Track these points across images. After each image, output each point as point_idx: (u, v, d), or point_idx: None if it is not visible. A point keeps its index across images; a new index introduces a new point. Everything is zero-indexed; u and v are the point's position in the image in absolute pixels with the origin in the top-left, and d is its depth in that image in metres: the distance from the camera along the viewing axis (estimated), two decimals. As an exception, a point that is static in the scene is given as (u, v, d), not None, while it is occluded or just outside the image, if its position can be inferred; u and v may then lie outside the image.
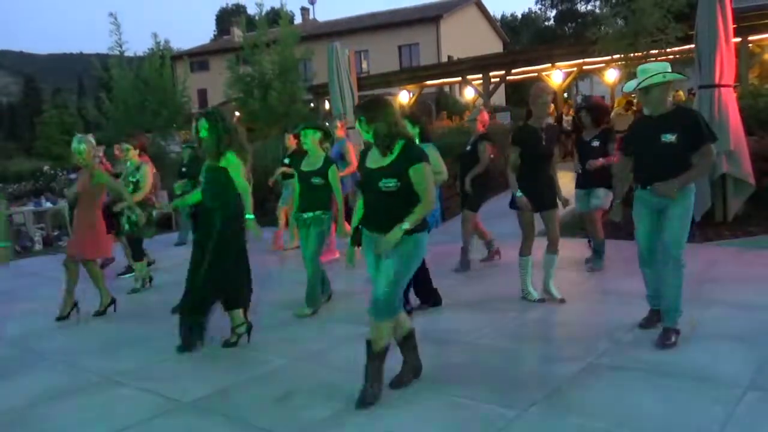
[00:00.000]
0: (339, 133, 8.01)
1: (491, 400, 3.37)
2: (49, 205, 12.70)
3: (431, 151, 5.03)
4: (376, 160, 3.47)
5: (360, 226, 3.65)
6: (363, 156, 3.62)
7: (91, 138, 5.86)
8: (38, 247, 11.25)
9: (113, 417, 3.54)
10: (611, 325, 4.48)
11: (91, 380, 4.17)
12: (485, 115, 6.88)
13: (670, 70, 4.10)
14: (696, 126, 4.01)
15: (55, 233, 11.94)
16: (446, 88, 27.57)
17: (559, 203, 5.28)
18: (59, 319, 5.72)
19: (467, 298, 5.43)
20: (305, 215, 5.42)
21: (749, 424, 2.95)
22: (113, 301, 5.93)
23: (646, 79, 4.03)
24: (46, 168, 21.10)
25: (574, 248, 6.75)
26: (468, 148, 6.60)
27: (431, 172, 3.41)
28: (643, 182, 4.19)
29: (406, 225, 3.31)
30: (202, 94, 35.16)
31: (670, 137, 4.00)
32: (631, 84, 4.26)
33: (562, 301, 5.10)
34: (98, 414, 3.60)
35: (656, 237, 4.20)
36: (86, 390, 4.01)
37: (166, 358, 4.53)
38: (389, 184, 3.35)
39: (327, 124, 8.01)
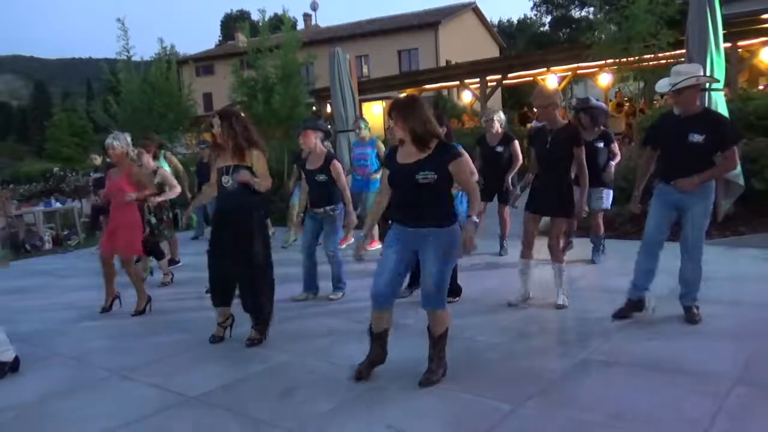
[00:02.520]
0: (365, 133, 7.87)
1: (488, 394, 3.38)
2: (58, 205, 12.72)
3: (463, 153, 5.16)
4: (409, 156, 3.45)
5: (391, 222, 3.63)
6: (392, 154, 3.59)
7: (127, 136, 5.76)
8: (48, 246, 11.27)
9: (121, 411, 3.55)
10: (604, 322, 4.49)
11: (100, 375, 4.18)
12: (503, 115, 7.09)
13: (701, 73, 4.18)
14: (722, 128, 4.14)
15: (65, 233, 11.96)
16: (444, 92, 27.54)
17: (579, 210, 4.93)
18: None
19: (465, 295, 5.43)
20: (316, 210, 5.63)
21: (738, 417, 2.96)
22: (149, 300, 5.84)
23: (680, 81, 4.10)
24: (55, 169, 21.12)
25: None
26: (500, 148, 6.78)
27: (470, 164, 3.51)
28: (667, 178, 4.28)
29: (475, 218, 3.40)
30: (208, 97, 35.12)
31: (697, 137, 4.09)
32: (664, 83, 4.30)
33: (558, 307, 4.87)
34: (106, 408, 3.61)
35: (665, 231, 4.38)
36: (95, 385, 4.02)
37: (173, 353, 4.54)
38: (428, 174, 3.36)
39: (359, 123, 7.96)
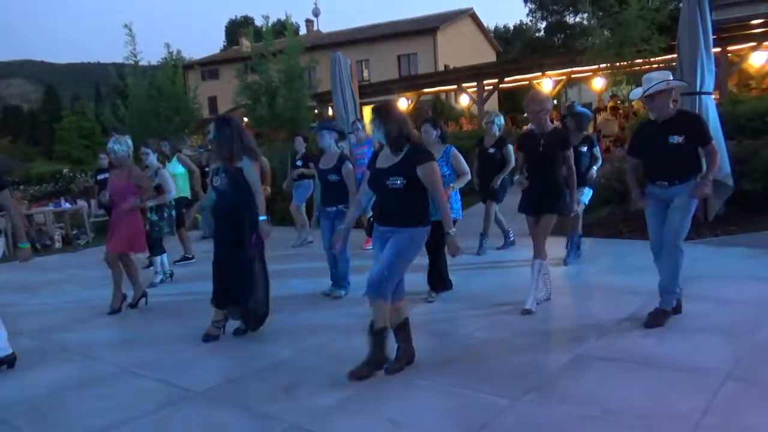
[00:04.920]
0: (361, 134, 7.99)
1: (486, 389, 3.38)
2: (68, 205, 12.71)
3: (456, 155, 5.27)
4: (385, 160, 3.59)
5: (372, 220, 3.76)
6: (374, 156, 3.73)
7: (127, 139, 5.78)
8: (58, 245, 11.29)
9: (129, 406, 3.54)
10: (598, 319, 4.49)
11: (109, 371, 4.18)
12: (502, 120, 7.25)
13: (671, 78, 4.24)
14: (699, 127, 4.22)
15: (74, 232, 11.96)
16: (442, 96, 27.54)
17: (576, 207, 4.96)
18: (111, 312, 5.66)
19: (464, 293, 5.43)
20: (328, 209, 5.64)
21: (728, 411, 2.96)
22: (145, 294, 5.91)
23: (651, 87, 4.14)
24: (65, 171, 21.07)
25: (561, 245, 6.73)
26: (492, 150, 6.92)
27: (438, 170, 3.54)
28: (653, 179, 4.32)
29: (453, 230, 3.52)
30: (213, 101, 35.11)
31: (677, 138, 4.14)
32: (637, 92, 4.38)
33: (525, 312, 4.68)
34: (115, 403, 3.61)
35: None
36: (104, 380, 4.01)
37: (179, 349, 4.53)
38: (396, 182, 3.47)
39: (356, 125, 8.05)
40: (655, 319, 4.20)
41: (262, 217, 4.50)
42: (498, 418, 3.05)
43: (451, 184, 5.17)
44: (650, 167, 4.38)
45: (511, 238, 7.32)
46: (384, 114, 3.54)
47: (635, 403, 3.08)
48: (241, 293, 4.54)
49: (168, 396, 3.65)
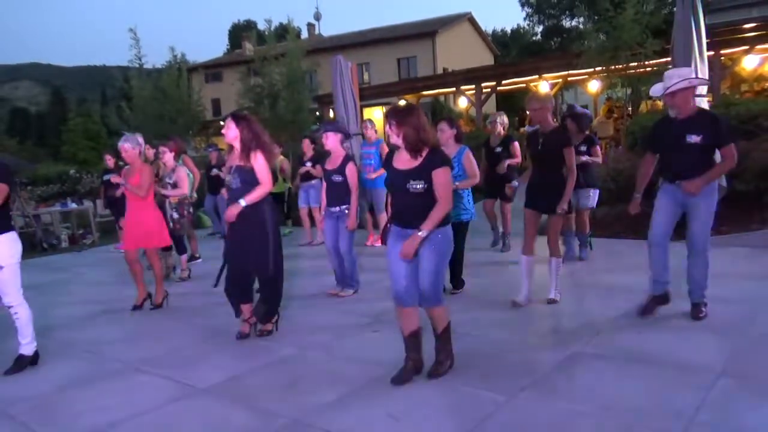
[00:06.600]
0: (371, 133, 7.97)
1: (483, 386, 3.38)
2: (74, 206, 12.71)
3: (469, 156, 5.22)
4: (404, 162, 3.45)
5: (390, 224, 3.62)
6: (389, 158, 3.60)
7: (138, 137, 5.69)
8: (64, 245, 11.29)
9: (134, 402, 3.54)
10: (594, 317, 4.49)
11: (115, 368, 4.18)
12: (505, 119, 7.37)
13: (693, 76, 4.13)
14: (718, 127, 4.08)
15: (80, 232, 11.96)
16: (441, 98, 27.53)
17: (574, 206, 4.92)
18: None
19: (461, 292, 5.42)
20: (332, 209, 5.59)
21: (721, 408, 2.96)
22: (166, 295, 5.83)
23: (673, 84, 4.05)
24: (71, 172, 21.06)
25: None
26: (499, 149, 7.02)
27: (451, 177, 3.41)
28: (670, 178, 4.25)
29: (424, 233, 3.30)
30: (216, 103, 35.08)
31: (695, 137, 4.05)
32: (657, 88, 4.27)
33: (550, 301, 4.88)
34: (120, 399, 3.61)
35: (671, 226, 4.33)
36: (110, 377, 4.01)
37: (184, 347, 4.53)
38: (417, 186, 3.35)
39: (366, 124, 8.05)
40: (700, 312, 4.25)
41: (242, 201, 4.32)
42: (495, 415, 3.04)
43: (456, 183, 5.07)
44: (667, 166, 4.28)
45: (507, 243, 7.25)
46: (402, 115, 3.38)
47: (630, 400, 3.08)
48: (266, 290, 4.52)
49: (173, 392, 3.65)
